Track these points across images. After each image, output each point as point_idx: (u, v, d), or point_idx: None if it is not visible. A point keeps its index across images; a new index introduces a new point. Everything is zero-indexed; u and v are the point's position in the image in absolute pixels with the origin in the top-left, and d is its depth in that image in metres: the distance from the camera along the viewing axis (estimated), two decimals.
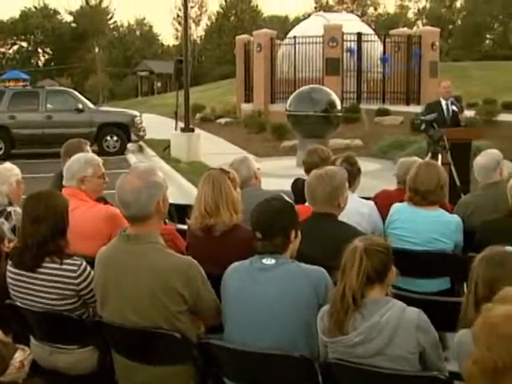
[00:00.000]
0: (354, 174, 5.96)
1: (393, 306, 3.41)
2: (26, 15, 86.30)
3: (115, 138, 22.75)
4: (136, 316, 3.81)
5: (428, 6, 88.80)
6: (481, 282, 3.33)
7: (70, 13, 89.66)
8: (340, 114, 17.74)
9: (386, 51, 28.65)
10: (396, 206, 5.73)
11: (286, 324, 3.70)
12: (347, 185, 5.04)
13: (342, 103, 20.21)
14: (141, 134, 23.35)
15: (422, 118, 10.60)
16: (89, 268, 4.22)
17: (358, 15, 51.02)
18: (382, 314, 3.37)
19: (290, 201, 4.09)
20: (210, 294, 3.98)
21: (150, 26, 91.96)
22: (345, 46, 27.68)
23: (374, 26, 56.23)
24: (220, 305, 4.03)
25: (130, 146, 23.53)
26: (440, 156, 9.81)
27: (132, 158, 21.82)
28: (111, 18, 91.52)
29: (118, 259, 3.90)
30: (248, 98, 30.75)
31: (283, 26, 67.87)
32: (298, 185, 6.58)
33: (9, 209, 5.89)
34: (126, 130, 22.84)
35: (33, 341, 4.40)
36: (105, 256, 3.99)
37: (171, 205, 7.93)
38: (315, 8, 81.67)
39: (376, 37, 29.55)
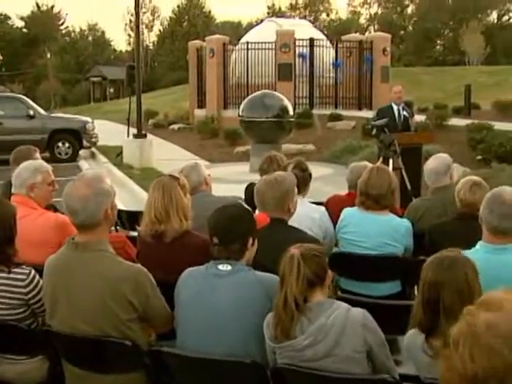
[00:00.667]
0: (305, 180, 5.98)
1: (338, 308, 3.44)
2: None
3: (67, 145, 22.50)
4: (85, 324, 3.78)
5: (380, 11, 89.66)
6: (427, 284, 3.35)
7: (21, 18, 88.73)
8: (292, 120, 17.81)
9: (338, 56, 28.88)
10: (346, 210, 5.76)
11: (239, 331, 3.69)
12: (296, 190, 5.05)
13: (294, 108, 20.30)
14: (93, 140, 23.16)
15: (373, 123, 10.68)
16: (38, 277, 4.16)
17: (310, 21, 51.28)
18: (328, 315, 3.39)
19: (248, 208, 4.09)
20: (160, 301, 3.96)
21: (103, 32, 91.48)
22: (297, 52, 27.83)
23: (326, 32, 56.49)
24: (170, 312, 4.01)
25: (82, 152, 23.32)
26: (391, 160, 9.87)
27: (84, 164, 21.64)
28: (63, 24, 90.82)
29: (67, 267, 3.86)
30: (201, 104, 30.73)
31: (236, 31, 67.96)
32: (250, 190, 6.58)
33: None
34: (77, 137, 22.60)
35: None
36: (53, 264, 3.94)
37: (123, 211, 7.94)
38: (268, 13, 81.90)
39: (328, 42, 29.76)
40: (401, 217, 5.96)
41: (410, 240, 5.62)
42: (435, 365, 2.60)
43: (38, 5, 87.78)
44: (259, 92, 18.80)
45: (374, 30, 75.38)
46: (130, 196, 14.65)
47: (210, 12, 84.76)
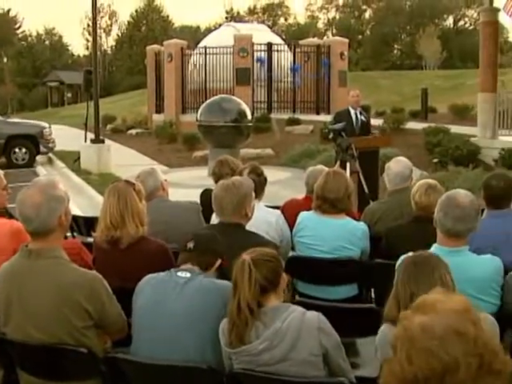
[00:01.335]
0: (261, 184, 5.99)
1: (293, 311, 3.45)
2: None
3: (24, 150, 22.28)
4: (40, 332, 3.74)
5: (337, 16, 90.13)
6: (401, 285, 3.38)
7: None
8: (250, 124, 17.80)
9: (296, 61, 28.98)
10: (303, 214, 5.78)
11: (195, 337, 3.68)
12: (254, 194, 5.06)
13: (252, 113, 20.30)
14: (50, 145, 22.96)
15: (330, 127, 10.71)
16: None
17: (268, 25, 51.49)
18: (284, 319, 3.40)
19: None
20: (116, 308, 3.93)
21: (60, 36, 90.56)
22: (255, 56, 27.87)
23: (284, 36, 56.75)
24: (126, 319, 3.99)
25: (39, 158, 23.10)
26: (348, 164, 9.92)
27: (41, 170, 21.45)
28: (19, 28, 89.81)
29: (21, 275, 3.81)
30: (159, 109, 30.64)
31: (194, 36, 67.87)
32: (206, 195, 6.57)
33: None
34: (34, 142, 22.38)
35: None
36: (7, 272, 3.89)
37: (80, 217, 7.89)
38: (226, 18, 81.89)
39: (286, 47, 29.85)
40: (357, 220, 6.00)
41: (366, 243, 5.66)
42: None
43: None
44: (217, 96, 18.79)
45: (332, 35, 75.67)
46: (87, 202, 14.54)
47: (168, 16, 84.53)
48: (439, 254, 4.19)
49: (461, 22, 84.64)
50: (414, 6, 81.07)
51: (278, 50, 28.60)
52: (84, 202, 14.52)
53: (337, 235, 5.52)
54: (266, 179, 6.18)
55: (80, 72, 25.15)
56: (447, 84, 43.82)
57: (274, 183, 14.44)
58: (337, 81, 28.84)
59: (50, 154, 23.74)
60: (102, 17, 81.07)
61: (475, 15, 74.46)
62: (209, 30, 56.45)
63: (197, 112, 18.56)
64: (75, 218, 7.54)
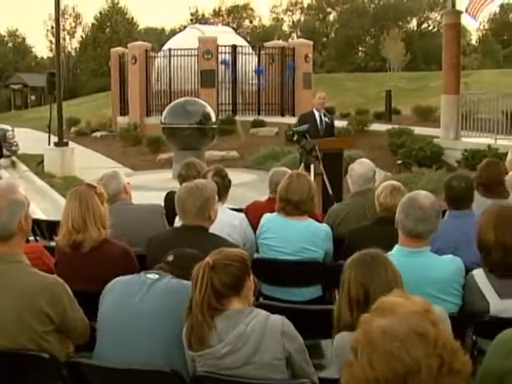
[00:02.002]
0: (225, 187, 6.00)
1: (257, 315, 3.43)
2: None
3: None
4: (1, 338, 3.69)
5: (302, 18, 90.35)
6: (353, 284, 3.37)
7: None
8: (215, 126, 17.80)
9: (261, 63, 29.01)
10: (266, 216, 5.79)
11: (161, 339, 3.65)
12: (217, 197, 5.06)
13: (217, 115, 20.31)
14: (13, 148, 22.74)
15: (295, 129, 10.71)
16: None
17: (233, 28, 51.45)
18: (247, 323, 3.39)
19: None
20: (78, 312, 3.90)
21: (23, 38, 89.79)
22: (220, 59, 27.84)
23: (249, 39, 56.79)
24: (88, 323, 3.96)
25: (2, 161, 22.85)
26: (313, 166, 9.94)
27: (4, 173, 21.19)
28: None
29: None
30: (123, 111, 30.52)
31: (159, 38, 67.65)
32: (170, 198, 6.55)
33: None
34: None
35: None
36: None
37: (43, 221, 7.82)
38: (191, 20, 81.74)
39: (251, 49, 29.87)
40: (320, 222, 6.02)
41: (329, 245, 5.68)
42: None
43: None
44: (181, 99, 18.78)
45: (297, 37, 75.86)
46: (51, 205, 14.42)
47: (132, 18, 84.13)
48: (401, 255, 4.24)
49: (424, 25, 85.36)
50: (379, 8, 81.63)
51: (242, 53, 28.62)
52: (47, 205, 14.40)
53: (300, 237, 5.53)
54: (230, 182, 6.19)
55: (44, 74, 24.92)
56: (411, 86, 44.13)
57: (239, 185, 14.48)
58: (301, 83, 28.93)
59: (13, 157, 23.50)
60: (66, 19, 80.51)
61: (438, 18, 75.13)
62: (173, 33, 56.32)
63: (161, 114, 18.51)
64: (38, 222, 7.48)
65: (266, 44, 31.48)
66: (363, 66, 75.32)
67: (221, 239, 4.85)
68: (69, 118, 30.29)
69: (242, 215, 5.96)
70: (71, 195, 4.72)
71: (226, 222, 5.50)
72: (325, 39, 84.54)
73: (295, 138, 10.26)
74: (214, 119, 17.64)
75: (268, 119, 26.56)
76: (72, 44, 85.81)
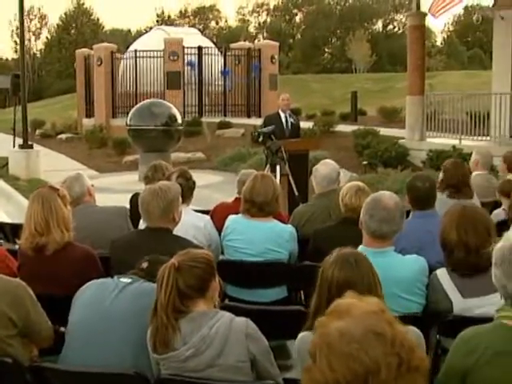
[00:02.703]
0: (189, 188, 5.99)
1: (221, 317, 3.43)
2: None
3: None
4: None
5: (268, 20, 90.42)
6: (335, 284, 3.35)
7: None
8: (181, 128, 17.75)
9: (227, 64, 28.99)
10: (231, 217, 5.79)
11: (129, 342, 3.64)
12: (181, 199, 5.05)
13: (183, 117, 20.26)
14: None
15: (260, 130, 10.73)
16: None
17: (199, 29, 51.37)
18: (211, 325, 3.38)
19: None
20: (41, 316, 3.88)
21: None
22: (186, 60, 27.77)
23: (215, 40, 56.75)
24: (52, 326, 3.94)
25: None
26: (278, 167, 9.96)
27: None
28: None
29: None
30: (89, 113, 30.33)
31: (125, 39, 67.39)
32: (136, 200, 6.52)
33: None
34: None
35: None
36: None
37: (7, 224, 7.75)
38: (157, 22, 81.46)
39: (217, 50, 29.84)
40: (286, 223, 6.03)
41: (294, 245, 5.69)
42: None
43: None
44: (147, 100, 18.69)
45: (263, 38, 75.88)
46: (16, 208, 14.28)
47: (98, 20, 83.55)
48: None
49: (390, 26, 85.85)
50: (344, 10, 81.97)
51: (208, 54, 28.57)
52: (12, 208, 14.27)
53: (265, 238, 5.54)
54: (194, 183, 6.18)
55: (8, 76, 24.67)
56: (376, 87, 44.42)
57: (205, 187, 14.47)
58: (267, 84, 28.96)
59: None
60: (31, 19, 79.89)
61: (404, 19, 75.58)
62: (139, 34, 56.02)
63: (127, 116, 18.41)
64: (1, 225, 7.43)
65: (232, 45, 31.46)
66: (329, 67, 75.62)
67: (185, 241, 4.85)
68: (34, 120, 30.01)
69: (207, 217, 5.97)
70: (34, 198, 4.70)
71: (191, 223, 5.50)
72: (291, 40, 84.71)
73: (261, 139, 10.27)
74: (179, 121, 17.58)
75: (234, 120, 26.55)
76: (37, 45, 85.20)
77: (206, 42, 30.83)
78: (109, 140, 24.47)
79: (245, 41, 44.00)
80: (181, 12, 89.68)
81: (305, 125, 19.72)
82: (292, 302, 5.55)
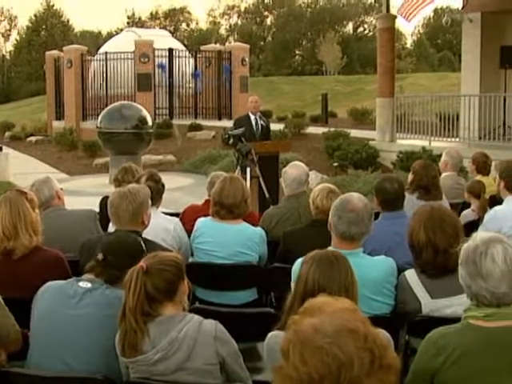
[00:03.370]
0: (158, 191, 5.98)
1: (190, 320, 3.42)
2: None
3: None
4: None
5: (239, 22, 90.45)
6: (311, 280, 3.34)
7: None
8: (152, 130, 17.66)
9: (198, 67, 28.96)
10: (201, 220, 5.78)
11: (94, 349, 3.61)
12: (150, 202, 5.03)
13: (154, 119, 20.19)
14: None
15: (230, 132, 10.71)
16: None
17: (170, 31, 51.25)
18: (180, 329, 3.37)
19: (143, 248, 4.03)
20: (8, 319, 3.85)
21: None
22: (156, 62, 27.70)
23: (186, 42, 56.66)
24: (20, 330, 3.91)
25: None
26: (249, 169, 9.95)
27: None
28: None
29: None
30: (59, 116, 30.17)
31: (95, 41, 67.05)
32: (105, 203, 6.49)
33: None
34: None
35: None
36: None
37: None
38: (128, 24, 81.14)
39: (187, 52, 29.82)
40: (256, 225, 6.03)
41: (264, 248, 5.70)
42: None
43: None
44: (118, 103, 18.56)
45: (234, 41, 75.89)
46: None
47: (68, 21, 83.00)
48: None
49: (360, 29, 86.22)
50: (315, 12, 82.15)
51: (179, 56, 28.52)
52: None
53: (234, 241, 5.54)
54: (163, 186, 6.17)
55: None
56: (347, 89, 44.61)
57: (176, 189, 14.44)
58: (238, 86, 28.96)
59: None
60: (0, 21, 79.31)
61: (374, 22, 75.97)
62: (110, 36, 55.83)
63: (97, 119, 18.31)
64: None
65: (203, 47, 31.46)
66: (300, 69, 75.74)
67: (154, 244, 4.83)
68: (3, 123, 29.83)
69: (177, 219, 5.96)
70: (1, 202, 4.66)
71: (161, 226, 5.49)
72: (262, 43, 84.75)
73: (231, 141, 10.27)
74: (150, 123, 17.48)
75: (205, 123, 26.50)
76: (6, 47, 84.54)
77: (176, 44, 30.77)
78: (79, 143, 24.33)
79: (216, 43, 44.04)
80: (152, 14, 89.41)
81: (276, 127, 19.75)
82: (262, 305, 5.56)
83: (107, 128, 16.96)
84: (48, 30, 79.29)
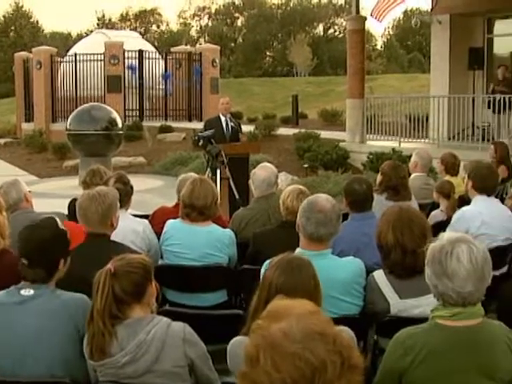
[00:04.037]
0: (127, 193, 5.95)
1: (158, 323, 3.42)
2: None
3: None
4: None
5: (210, 23, 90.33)
6: (274, 288, 3.33)
7: None
8: (121, 132, 17.56)
9: (168, 68, 28.90)
10: (170, 222, 5.77)
11: (44, 358, 3.57)
12: (119, 204, 5.01)
13: (124, 121, 20.10)
14: None
15: (200, 134, 10.70)
16: None
17: (140, 32, 51.12)
18: (148, 331, 3.36)
19: (62, 228, 3.98)
20: None
21: None
22: (126, 64, 27.61)
23: (156, 44, 56.50)
24: None
25: None
26: (219, 171, 9.96)
27: None
28: None
29: None
30: (28, 117, 29.95)
31: (65, 42, 66.63)
32: (73, 205, 6.45)
33: None
34: None
35: None
36: None
37: None
38: (98, 25, 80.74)
39: (158, 54, 29.76)
40: (225, 227, 6.03)
41: (233, 249, 5.71)
42: None
43: None
44: (87, 104, 18.44)
45: (205, 42, 75.76)
46: None
47: (37, 22, 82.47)
48: None
49: (331, 30, 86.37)
50: (286, 13, 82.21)
51: (149, 58, 28.45)
52: None
53: (204, 243, 5.54)
54: (132, 188, 6.14)
55: None
56: (317, 90, 44.71)
57: (146, 191, 14.40)
58: (209, 88, 28.94)
59: None
60: None
61: (344, 23, 76.21)
62: (80, 37, 55.55)
63: (67, 120, 18.19)
64: None
65: (173, 49, 31.40)
66: (271, 70, 75.82)
67: (123, 246, 4.80)
68: None
69: (146, 221, 5.94)
70: None
71: (129, 228, 5.47)
72: (232, 44, 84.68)
73: (201, 143, 10.26)
74: (120, 125, 17.38)
75: (175, 124, 26.42)
76: None
77: (146, 46, 30.71)
78: (49, 145, 24.17)
79: (186, 45, 43.94)
80: (122, 15, 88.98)
81: (246, 128, 19.74)
82: (232, 306, 5.56)
83: (77, 130, 16.83)
84: (17, 31, 78.68)
